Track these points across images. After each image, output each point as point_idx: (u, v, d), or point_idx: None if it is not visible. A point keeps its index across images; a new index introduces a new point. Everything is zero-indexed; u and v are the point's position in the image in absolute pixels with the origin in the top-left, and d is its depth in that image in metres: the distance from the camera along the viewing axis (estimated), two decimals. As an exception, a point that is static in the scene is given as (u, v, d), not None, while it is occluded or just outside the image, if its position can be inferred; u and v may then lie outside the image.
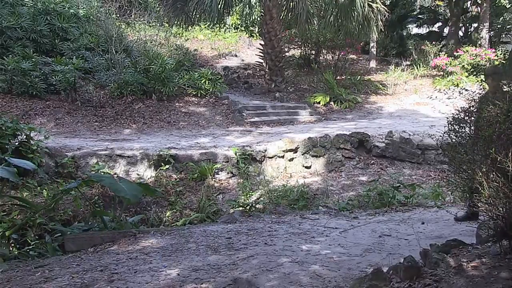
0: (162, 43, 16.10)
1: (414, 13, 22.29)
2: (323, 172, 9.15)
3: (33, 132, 7.52)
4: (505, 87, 2.92)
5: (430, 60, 17.00)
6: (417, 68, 16.82)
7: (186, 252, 4.25)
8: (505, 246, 2.79)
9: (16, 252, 5.14)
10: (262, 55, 14.39)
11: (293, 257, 3.89)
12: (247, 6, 17.14)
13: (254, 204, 6.84)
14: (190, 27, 15.65)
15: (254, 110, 12.62)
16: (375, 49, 18.48)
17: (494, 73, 4.13)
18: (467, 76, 14.88)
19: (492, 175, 2.72)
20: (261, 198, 7.62)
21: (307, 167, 9.27)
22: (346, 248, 4.23)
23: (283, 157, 9.16)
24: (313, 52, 17.28)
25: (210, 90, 13.02)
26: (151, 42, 15.51)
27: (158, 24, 17.36)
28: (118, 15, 16.11)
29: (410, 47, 19.72)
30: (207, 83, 12.97)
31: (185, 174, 8.20)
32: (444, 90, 14.58)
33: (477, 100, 3.35)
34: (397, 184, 7.05)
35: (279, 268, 3.65)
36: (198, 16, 14.15)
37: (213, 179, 8.23)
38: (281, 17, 14.22)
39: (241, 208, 6.63)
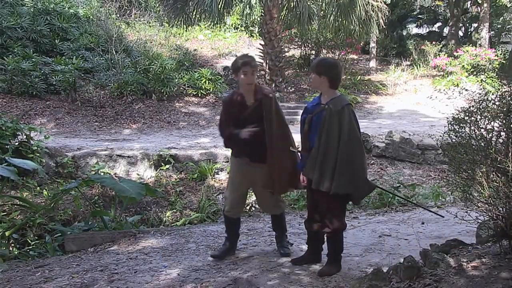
0: (162, 43, 16.10)
1: (414, 13, 22.32)
2: (323, 172, 9.13)
3: (33, 132, 7.53)
4: (505, 87, 2.91)
5: (430, 60, 16.99)
6: (417, 68, 16.82)
7: (186, 252, 4.25)
8: (505, 246, 2.79)
9: (16, 252, 5.14)
10: (262, 55, 14.38)
11: (293, 257, 3.89)
12: (247, 6, 17.10)
13: (254, 204, 6.83)
14: (190, 27, 15.63)
15: (254, 110, 12.60)
16: (375, 49, 18.48)
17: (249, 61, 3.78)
18: (467, 76, 14.88)
19: (492, 175, 2.72)
20: (261, 198, 7.60)
21: (307, 167, 9.25)
22: (346, 248, 4.21)
23: (283, 157, 9.14)
24: (313, 52, 17.27)
25: (210, 90, 13.01)
26: (151, 42, 15.52)
27: (158, 24, 17.36)
28: (118, 15, 16.15)
29: (410, 47, 19.72)
30: (207, 83, 12.97)
31: (185, 174, 8.20)
32: (444, 90, 14.58)
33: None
34: (397, 184, 7.04)
35: (279, 268, 3.65)
36: (198, 16, 14.14)
37: (213, 179, 8.23)
38: (281, 17, 14.22)
39: (241, 208, 6.61)
